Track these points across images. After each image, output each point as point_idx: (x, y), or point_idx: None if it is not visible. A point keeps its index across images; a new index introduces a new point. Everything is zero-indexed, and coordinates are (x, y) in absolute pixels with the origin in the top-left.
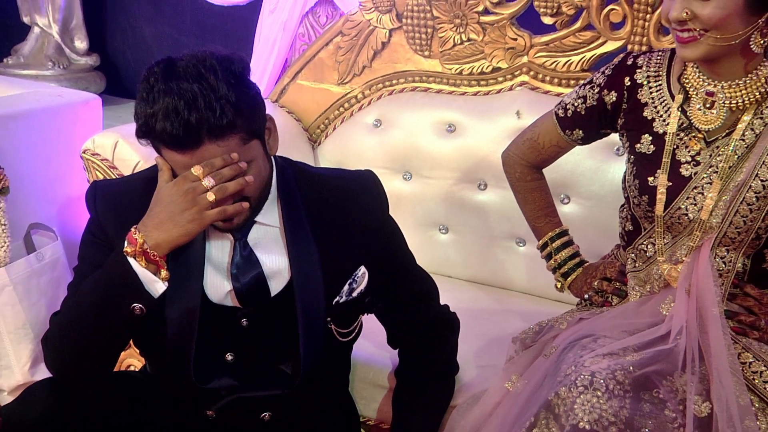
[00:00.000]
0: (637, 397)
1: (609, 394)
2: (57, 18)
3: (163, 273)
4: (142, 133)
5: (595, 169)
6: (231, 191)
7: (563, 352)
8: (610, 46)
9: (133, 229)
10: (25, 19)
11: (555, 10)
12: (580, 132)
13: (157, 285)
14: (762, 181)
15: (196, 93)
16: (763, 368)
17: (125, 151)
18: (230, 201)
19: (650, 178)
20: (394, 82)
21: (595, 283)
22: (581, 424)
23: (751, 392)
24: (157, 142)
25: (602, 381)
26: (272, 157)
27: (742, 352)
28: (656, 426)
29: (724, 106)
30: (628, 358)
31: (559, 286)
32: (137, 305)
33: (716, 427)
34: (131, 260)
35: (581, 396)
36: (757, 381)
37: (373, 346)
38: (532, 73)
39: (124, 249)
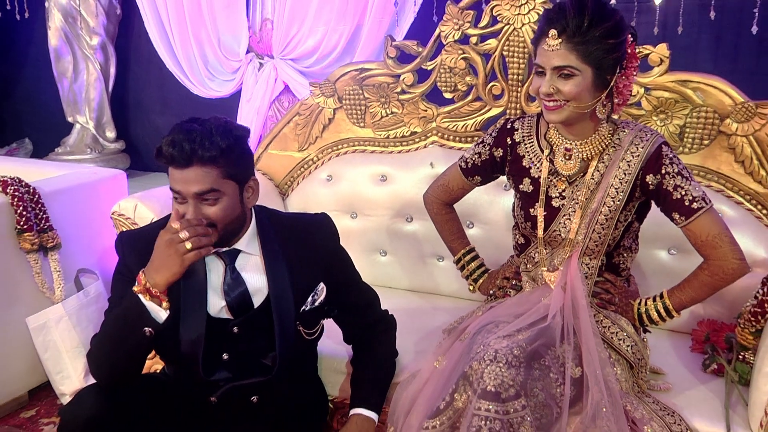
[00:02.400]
0: (529, 366)
1: (508, 365)
2: (92, 116)
3: (164, 304)
4: (156, 154)
5: (491, 202)
6: (204, 243)
7: (474, 336)
8: (494, 111)
9: (140, 273)
10: (69, 119)
11: (453, 88)
12: (479, 178)
13: (160, 313)
14: (608, 207)
15: (197, 132)
16: (618, 330)
17: (143, 211)
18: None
19: (531, 210)
20: (339, 147)
21: (498, 282)
22: (488, 387)
23: (609, 348)
24: (163, 162)
25: (503, 356)
26: (252, 208)
27: (603, 319)
28: (544, 386)
29: (578, 157)
30: (521, 337)
31: (471, 289)
32: (147, 329)
33: (586, 383)
34: (140, 296)
35: (488, 367)
36: (614, 339)
37: (335, 343)
38: (439, 134)
39: (134, 288)
